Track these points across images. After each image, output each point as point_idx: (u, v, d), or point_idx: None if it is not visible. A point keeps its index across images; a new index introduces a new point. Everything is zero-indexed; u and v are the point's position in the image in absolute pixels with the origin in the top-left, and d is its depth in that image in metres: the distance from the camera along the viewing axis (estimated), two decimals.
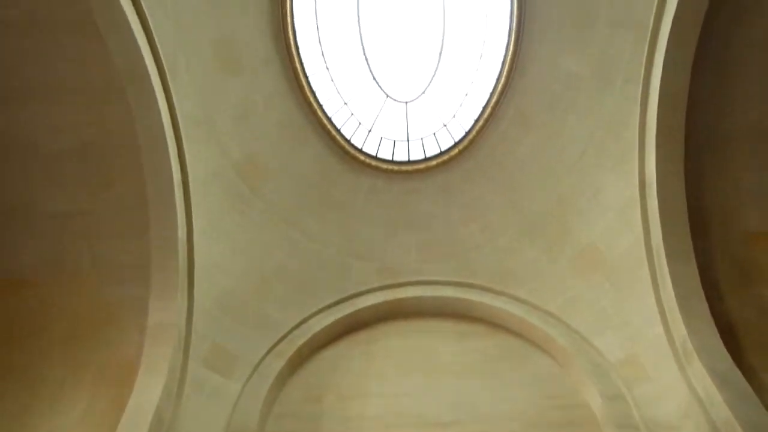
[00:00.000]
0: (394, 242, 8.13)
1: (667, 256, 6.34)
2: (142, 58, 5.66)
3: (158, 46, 5.80)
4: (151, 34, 5.71)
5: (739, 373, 5.83)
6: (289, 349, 7.18)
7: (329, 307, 7.71)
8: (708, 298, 6.29)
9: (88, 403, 6.07)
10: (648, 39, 6.24)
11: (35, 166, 6.17)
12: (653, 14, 6.09)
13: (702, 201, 6.69)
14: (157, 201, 6.30)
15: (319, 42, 8.30)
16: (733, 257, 6.73)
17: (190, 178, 6.45)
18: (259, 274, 7.36)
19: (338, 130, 8.20)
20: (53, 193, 6.30)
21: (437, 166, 8.26)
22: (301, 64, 7.79)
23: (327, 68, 8.37)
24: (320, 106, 8.04)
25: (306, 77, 7.84)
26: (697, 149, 6.56)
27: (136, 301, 6.43)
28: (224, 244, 7.06)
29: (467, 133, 8.26)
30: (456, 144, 8.32)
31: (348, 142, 8.27)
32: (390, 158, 8.51)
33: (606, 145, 7.08)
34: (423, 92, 9.05)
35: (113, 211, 6.39)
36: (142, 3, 5.53)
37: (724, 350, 6.07)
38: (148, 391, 5.79)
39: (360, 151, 8.33)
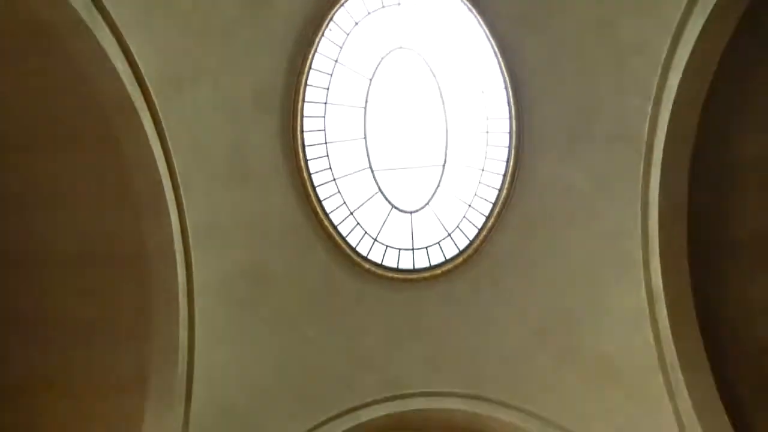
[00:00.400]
0: (399, 352, 7.95)
1: (682, 367, 6.20)
2: (157, 170, 5.89)
3: (173, 157, 6.06)
4: (167, 144, 5.97)
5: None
6: None
7: (331, 419, 7.39)
8: (726, 409, 6.04)
9: None
10: (644, 152, 6.50)
11: (38, 273, 6.22)
12: (647, 128, 6.40)
13: (712, 312, 6.62)
14: (161, 310, 6.28)
15: (327, 154, 8.66)
16: (748, 367, 6.54)
17: (196, 285, 6.47)
18: (260, 384, 7.14)
19: (344, 239, 8.33)
20: (55, 300, 6.31)
21: (442, 274, 8.28)
22: (310, 175, 8.10)
23: (334, 179, 8.66)
24: (327, 215, 8.23)
25: (314, 188, 8.11)
26: (702, 260, 6.59)
27: (131, 412, 6.21)
28: (226, 353, 6.93)
29: (471, 242, 8.36)
30: (460, 253, 8.40)
31: (353, 250, 8.36)
32: (395, 266, 8.55)
33: (610, 256, 7.14)
34: (427, 203, 9.27)
35: (115, 319, 6.35)
36: (159, 113, 5.80)
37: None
38: None
39: (365, 259, 8.40)
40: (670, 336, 6.23)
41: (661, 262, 6.42)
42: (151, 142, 5.72)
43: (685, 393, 6.03)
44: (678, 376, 6.14)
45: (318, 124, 8.53)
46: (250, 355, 7.18)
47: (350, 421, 7.41)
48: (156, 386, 6.17)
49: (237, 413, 6.85)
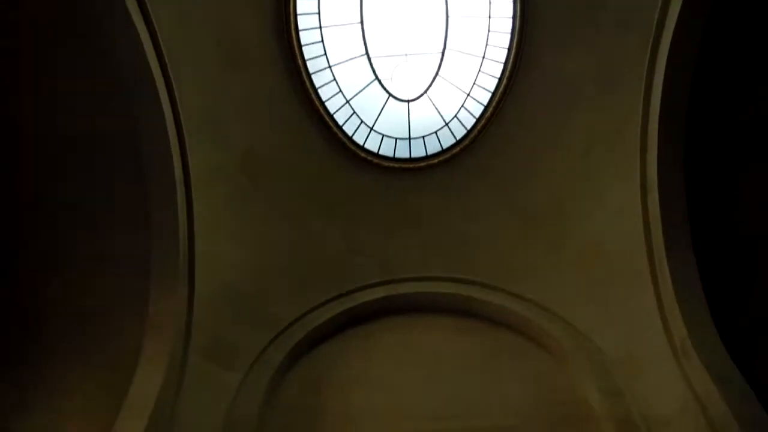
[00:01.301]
0: (395, 239, 8.17)
1: (668, 255, 6.37)
2: (144, 54, 5.69)
3: (161, 40, 5.84)
4: (154, 28, 5.74)
5: (737, 370, 5.85)
6: (288, 342, 7.21)
7: (329, 301, 7.74)
8: (707, 297, 6.32)
9: (88, 391, 6.10)
10: (651, 40, 6.28)
11: (35, 156, 6.19)
12: (657, 15, 6.13)
13: (703, 201, 6.72)
14: (158, 193, 6.32)
15: (322, 40, 8.35)
16: (733, 258, 6.76)
17: (192, 171, 6.48)
18: (260, 268, 7.39)
19: (340, 127, 8.25)
20: (54, 184, 6.33)
21: (439, 164, 8.31)
22: (304, 61, 7.85)
23: (330, 66, 8.41)
24: (322, 103, 8.09)
25: (309, 75, 7.89)
26: (699, 150, 6.59)
27: (137, 293, 6.45)
28: (225, 238, 7.10)
29: (469, 132, 8.30)
30: (458, 142, 8.37)
31: (349, 139, 8.32)
32: (392, 155, 8.55)
33: (608, 145, 7.11)
34: (425, 91, 9.09)
35: (114, 203, 6.41)
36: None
37: (723, 348, 6.08)
38: (148, 382, 5.82)
39: (361, 148, 8.38)
40: (660, 224, 6.37)
41: (658, 154, 6.43)
42: (135, 21, 5.47)
43: (668, 278, 6.26)
44: (663, 262, 6.36)
45: (312, 6, 8.14)
46: (249, 241, 7.36)
47: (346, 303, 7.76)
48: (158, 270, 6.36)
49: (238, 296, 7.13)
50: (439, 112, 8.91)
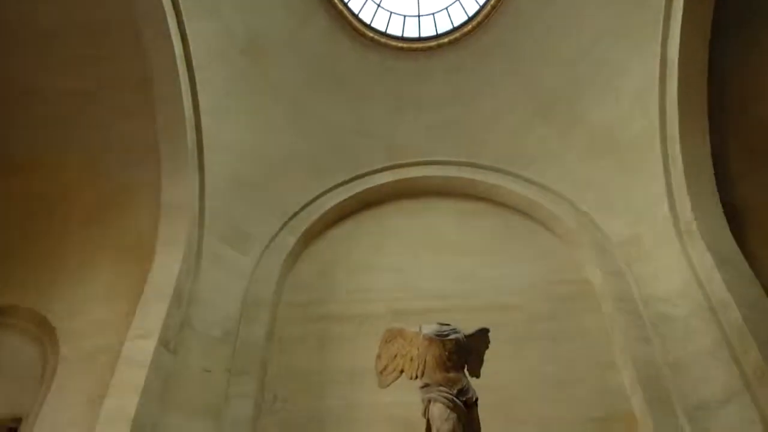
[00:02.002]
0: (403, 121, 8.02)
1: (681, 137, 6.25)
2: None
3: None
4: None
5: (740, 254, 5.98)
6: (300, 226, 7.40)
7: (338, 186, 7.80)
8: (718, 182, 6.30)
9: (110, 276, 6.38)
10: None
11: (38, 44, 5.97)
12: None
13: (723, 84, 6.46)
14: (161, 78, 6.15)
15: None
16: (747, 143, 6.64)
17: (194, 55, 6.25)
18: (268, 154, 7.38)
19: (345, 5, 7.79)
20: (55, 72, 6.16)
21: (449, 43, 7.91)
22: None
23: None
24: None
25: None
26: (723, 28, 6.20)
27: (149, 182, 6.52)
28: (232, 125, 7.01)
29: (481, 9, 7.81)
30: (469, 20, 7.91)
31: (356, 17, 7.88)
32: (400, 35, 8.15)
33: (628, 22, 6.68)
34: None
35: (116, 91, 6.27)
36: None
37: (728, 232, 6.18)
38: (167, 265, 6.07)
39: (369, 27, 7.96)
40: (677, 109, 6.18)
41: (681, 36, 6.05)
42: None
43: (680, 165, 6.20)
44: (676, 148, 6.26)
45: None
46: (256, 127, 7.27)
47: (355, 188, 7.82)
48: (167, 156, 6.35)
49: (248, 183, 7.19)
50: None
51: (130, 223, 6.54)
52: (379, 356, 4.46)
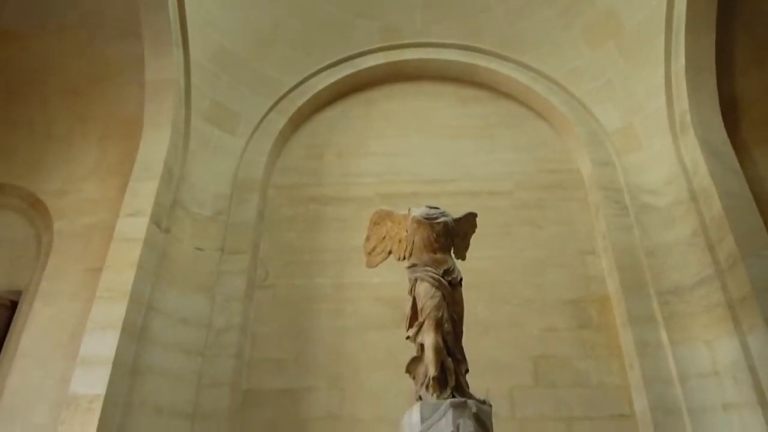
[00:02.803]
0: (397, 1, 7.57)
1: (687, 27, 6.01)
2: None
3: None
4: None
5: (730, 147, 6.00)
6: (289, 107, 7.23)
7: (330, 67, 7.52)
8: (719, 74, 6.15)
9: (98, 155, 6.34)
10: None
11: None
12: None
13: None
14: None
15: None
16: (755, 36, 6.41)
17: None
18: (256, 32, 7.02)
19: None
20: None
21: None
22: None
23: None
24: None
25: None
26: None
27: (131, 57, 6.29)
28: (217, 1, 6.62)
29: None
30: None
31: None
32: None
33: None
34: None
35: None
36: None
37: (721, 124, 6.15)
38: (155, 145, 6.00)
39: None
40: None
41: None
42: None
43: (682, 55, 6.01)
44: (680, 38, 6.03)
45: None
46: (242, 2, 6.86)
47: (347, 69, 7.55)
48: (151, 35, 6.05)
49: (236, 61, 6.91)
50: None
51: (116, 97, 6.40)
52: (367, 238, 4.54)
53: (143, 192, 5.69)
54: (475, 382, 3.96)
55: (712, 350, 5.28)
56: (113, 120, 6.45)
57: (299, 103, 7.26)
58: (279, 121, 7.14)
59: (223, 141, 6.72)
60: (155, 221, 5.64)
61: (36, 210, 6.20)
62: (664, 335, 5.49)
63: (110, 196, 6.00)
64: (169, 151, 5.98)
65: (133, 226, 5.50)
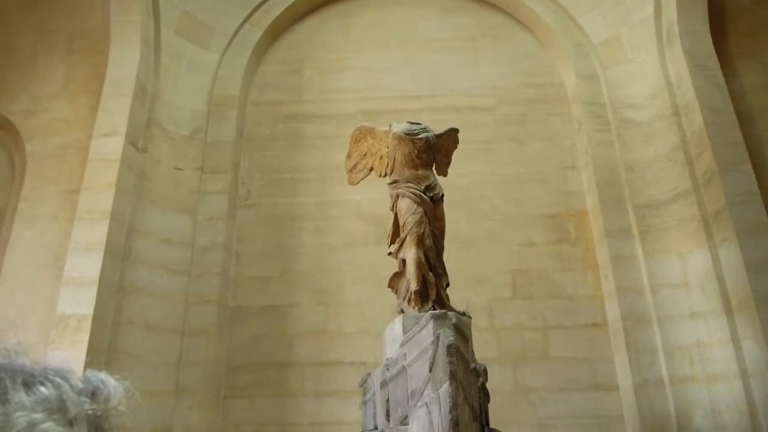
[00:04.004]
0: None
1: None
2: None
3: None
4: None
5: (715, 60, 5.92)
6: (265, 19, 6.87)
7: None
8: None
9: (65, 72, 6.07)
10: None
11: None
12: None
13: None
14: None
15: None
16: None
17: None
18: None
19: None
20: None
21: None
22: None
23: None
24: None
25: None
26: None
27: None
28: None
29: None
30: None
31: None
32: None
33: None
34: None
35: None
36: None
37: (708, 36, 6.04)
38: (125, 60, 5.75)
39: None
40: None
41: None
42: None
43: None
44: None
45: None
46: None
47: None
48: None
49: None
50: None
51: (76, 12, 6.03)
52: (349, 155, 4.49)
53: (116, 110, 5.52)
54: (456, 295, 4.09)
55: (684, 262, 5.47)
56: (78, 34, 6.12)
57: (275, 13, 6.91)
58: (254, 34, 6.83)
59: (196, 56, 6.44)
60: (131, 141, 5.50)
61: (5, 131, 6.00)
62: (638, 248, 5.65)
63: (82, 115, 5.81)
64: (140, 67, 5.74)
65: (109, 146, 5.38)
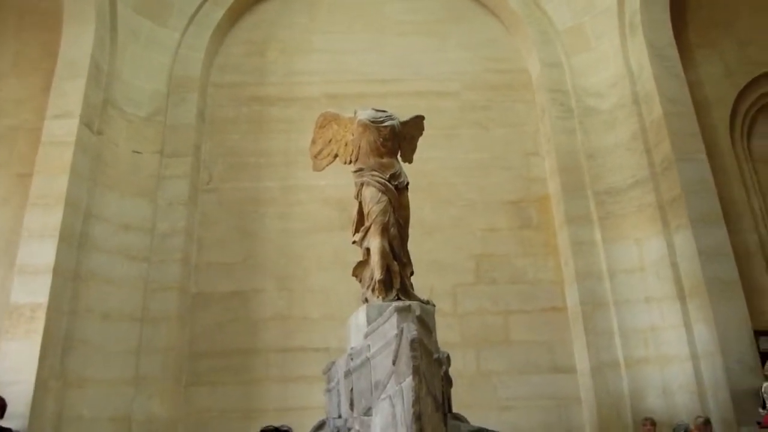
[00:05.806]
0: None
1: None
2: None
3: None
4: None
5: (675, 50, 6.04)
6: None
7: None
8: None
9: (16, 49, 5.79)
10: None
11: None
12: None
13: None
14: None
15: None
16: None
17: None
18: None
19: None
20: None
21: None
22: None
23: None
24: None
25: None
26: None
27: None
28: None
29: None
30: None
31: None
32: None
33: None
34: None
35: None
36: None
37: (669, 26, 6.15)
38: (78, 38, 5.52)
39: None
40: None
41: None
42: None
43: None
44: None
45: None
46: None
47: None
48: None
49: None
50: None
51: None
52: (314, 141, 4.43)
53: (70, 91, 5.30)
54: (421, 281, 4.11)
55: (640, 248, 5.64)
56: (29, 10, 5.83)
57: None
58: (216, 12, 6.62)
59: (155, 34, 6.21)
60: (86, 122, 5.30)
61: None
62: (598, 234, 5.78)
63: (33, 95, 5.57)
64: (96, 46, 5.51)
65: (62, 127, 5.17)
